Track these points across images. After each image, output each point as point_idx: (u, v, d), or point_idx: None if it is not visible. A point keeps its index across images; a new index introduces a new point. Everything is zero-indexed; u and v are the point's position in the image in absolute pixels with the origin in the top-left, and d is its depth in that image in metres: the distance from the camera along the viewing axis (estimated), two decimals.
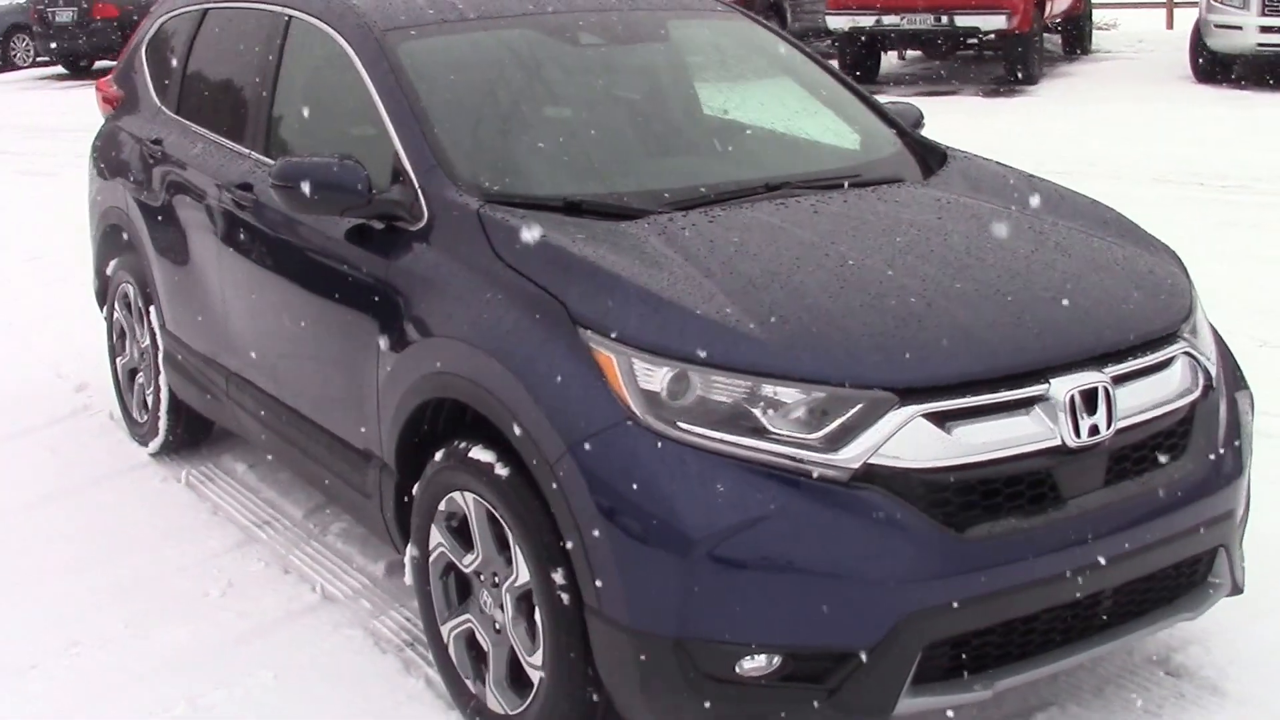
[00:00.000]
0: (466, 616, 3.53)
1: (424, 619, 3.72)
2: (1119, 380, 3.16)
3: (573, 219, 3.50)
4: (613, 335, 3.05)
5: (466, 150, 3.82)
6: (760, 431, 2.94)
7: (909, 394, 2.94)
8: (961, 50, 17.55)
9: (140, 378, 5.56)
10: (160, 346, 5.25)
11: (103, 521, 4.91)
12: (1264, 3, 15.38)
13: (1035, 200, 3.89)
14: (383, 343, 3.65)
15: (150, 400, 5.43)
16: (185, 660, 3.95)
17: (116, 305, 5.66)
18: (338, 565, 4.52)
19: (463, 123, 3.91)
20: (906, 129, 4.40)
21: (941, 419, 2.96)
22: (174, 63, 5.32)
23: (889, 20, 16.14)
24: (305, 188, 3.72)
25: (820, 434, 2.93)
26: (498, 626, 3.43)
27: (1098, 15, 21.38)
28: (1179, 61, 17.24)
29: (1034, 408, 3.05)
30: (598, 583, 3.00)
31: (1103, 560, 3.07)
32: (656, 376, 2.99)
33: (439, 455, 3.49)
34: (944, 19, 15.92)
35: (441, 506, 3.52)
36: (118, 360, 5.75)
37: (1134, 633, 3.26)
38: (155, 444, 5.47)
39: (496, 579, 3.41)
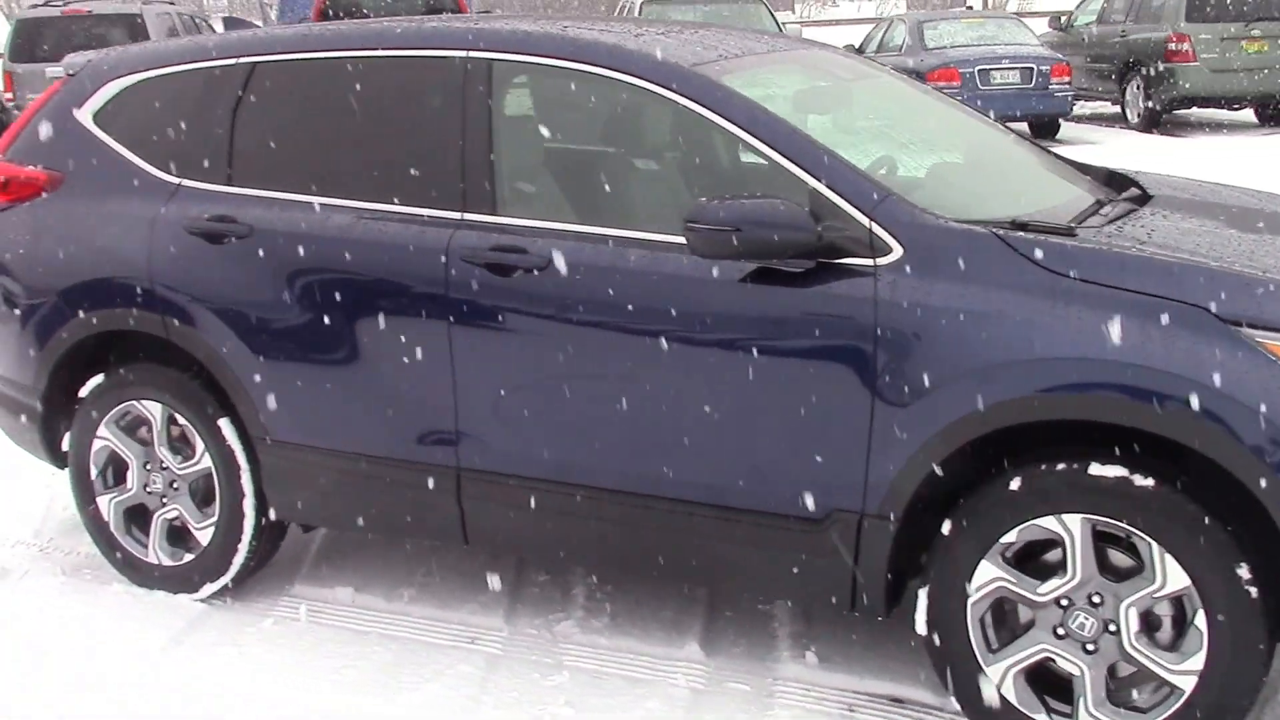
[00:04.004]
0: (1038, 647, 3.24)
1: (950, 667, 3.34)
2: None
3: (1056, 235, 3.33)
4: None
5: (891, 178, 3.48)
6: None
7: None
8: None
9: (168, 512, 4.32)
10: (248, 465, 4.13)
11: (274, 678, 3.81)
12: None
13: (1250, 197, 4.24)
14: (886, 388, 3.24)
15: (212, 535, 4.24)
16: None
17: (107, 433, 4.34)
18: (632, 656, 3.89)
19: (850, 151, 3.54)
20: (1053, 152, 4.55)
21: None
22: (200, 129, 4.20)
23: None
24: (754, 230, 3.25)
25: None
26: (1090, 647, 3.18)
27: None
28: None
29: None
30: None
31: None
32: None
33: (1015, 483, 3.16)
34: None
35: (1010, 538, 3.20)
36: (103, 499, 4.41)
37: None
38: (215, 585, 4.30)
39: (1095, 599, 3.16)
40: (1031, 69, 16.02)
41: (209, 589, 4.29)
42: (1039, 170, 4.12)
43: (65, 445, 4.47)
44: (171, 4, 17.03)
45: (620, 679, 3.73)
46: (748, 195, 3.31)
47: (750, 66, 3.81)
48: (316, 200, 3.96)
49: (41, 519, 5.11)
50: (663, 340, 3.48)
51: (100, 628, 4.14)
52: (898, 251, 3.29)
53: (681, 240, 3.47)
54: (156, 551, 4.36)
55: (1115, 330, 3.05)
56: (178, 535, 4.37)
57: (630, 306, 3.51)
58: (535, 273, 3.61)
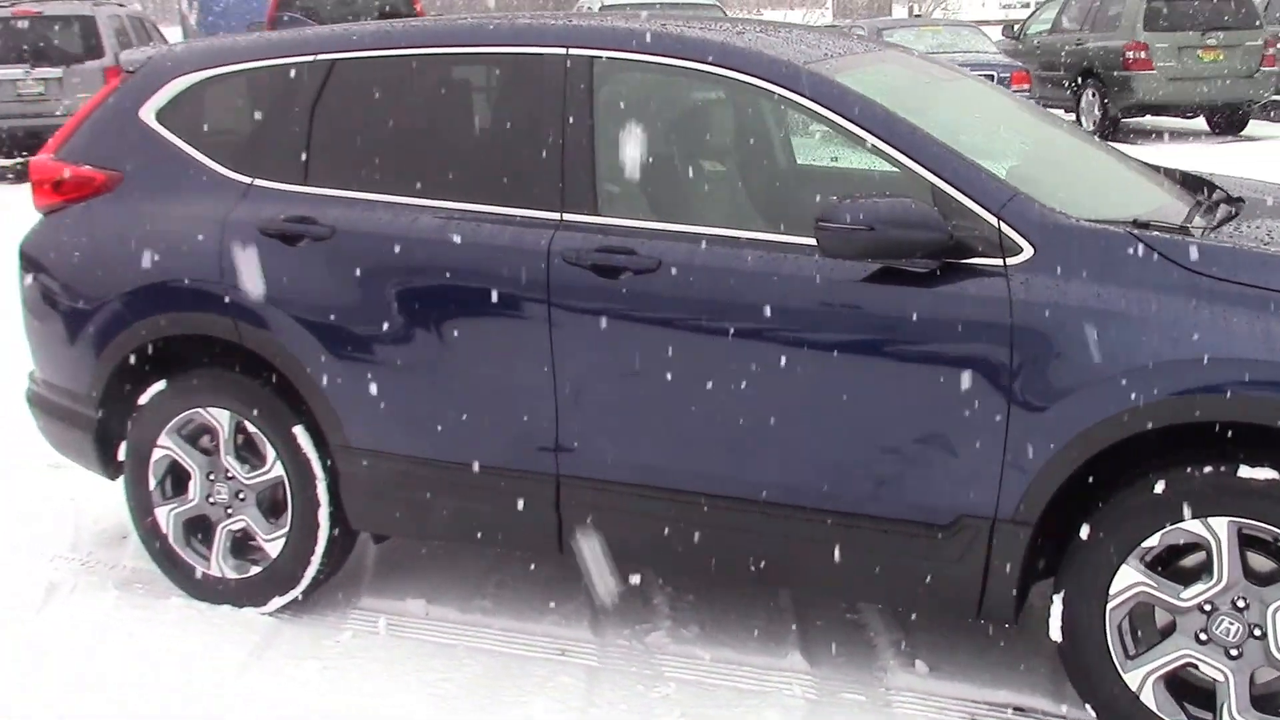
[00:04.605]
0: (1180, 653, 3.20)
1: (1086, 674, 3.28)
2: None
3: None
4: None
5: (1014, 176, 3.42)
6: None
7: None
8: None
9: (233, 524, 4.15)
10: (324, 474, 3.99)
11: (365, 694, 3.67)
12: None
13: None
14: (1022, 391, 3.19)
15: (283, 546, 4.08)
16: None
17: (168, 442, 4.17)
18: (733, 667, 3.80)
19: (968, 148, 3.47)
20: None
21: None
22: (274, 127, 4.05)
23: None
24: (888, 230, 3.19)
25: None
26: (1234, 652, 3.14)
27: None
28: None
29: None
30: None
31: None
32: None
33: (1159, 487, 3.12)
34: None
35: (1151, 542, 3.15)
36: (162, 511, 4.23)
37: None
38: (285, 598, 4.15)
39: (1240, 603, 3.13)
40: (991, 76, 16.08)
41: (278, 602, 4.14)
42: (1127, 173, 4.09)
43: (121, 455, 4.28)
44: (122, 6, 16.65)
45: (728, 690, 3.64)
46: (878, 195, 3.24)
47: (856, 65, 3.74)
48: (403, 201, 3.83)
49: (74, 531, 4.91)
50: (782, 343, 3.41)
51: (170, 644, 3.97)
52: (1028, 251, 3.24)
53: (798, 240, 3.42)
54: (220, 564, 4.19)
55: (1266, 329, 3.02)
56: (241, 547, 4.20)
57: (747, 308, 3.43)
58: (645, 274, 3.51)
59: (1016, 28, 19.75)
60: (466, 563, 4.47)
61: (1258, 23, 16.26)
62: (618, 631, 4.01)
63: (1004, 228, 3.26)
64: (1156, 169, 4.26)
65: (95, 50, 15.00)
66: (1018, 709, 3.55)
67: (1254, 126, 17.24)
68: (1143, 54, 15.83)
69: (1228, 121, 16.73)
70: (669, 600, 4.17)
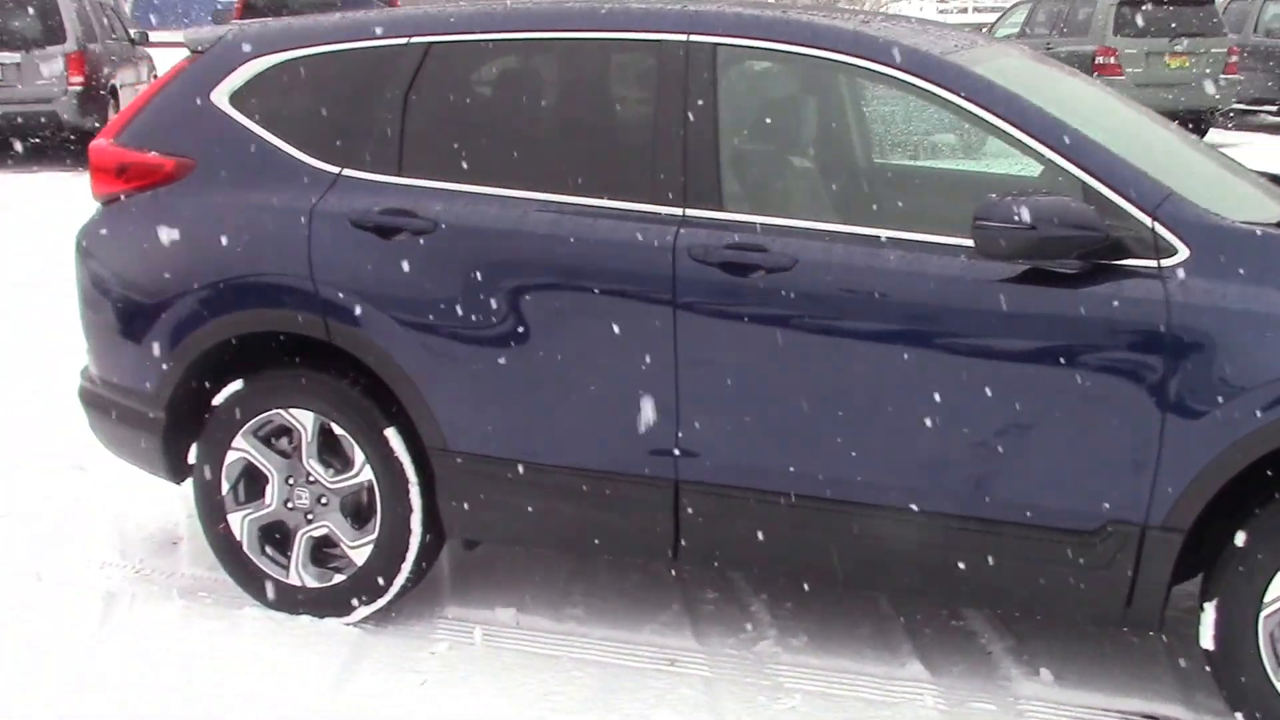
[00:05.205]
0: None
1: (1237, 683, 3.26)
2: None
3: None
4: None
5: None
6: None
7: None
8: None
9: (314, 530, 4.01)
10: (417, 477, 3.85)
11: (476, 707, 3.55)
12: None
13: None
14: (1178, 396, 3.16)
15: (370, 554, 3.95)
16: None
17: (244, 444, 4.02)
18: (852, 676, 3.73)
19: (1109, 144, 3.44)
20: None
21: None
22: (364, 114, 3.92)
23: None
24: (1050, 229, 3.15)
25: None
26: None
27: None
28: None
29: None
30: None
31: None
32: None
33: None
34: None
35: None
36: (235, 516, 4.07)
37: None
38: (372, 608, 4.02)
39: None
40: None
41: (364, 612, 4.00)
42: (1238, 175, 4.08)
43: (191, 458, 4.11)
44: None
45: (855, 701, 3.58)
46: (1035, 192, 3.20)
47: (986, 58, 3.69)
48: (512, 194, 3.72)
49: (119, 538, 4.74)
50: (923, 345, 3.35)
51: (257, 656, 3.82)
52: (1184, 252, 3.21)
53: (942, 240, 3.37)
54: (299, 573, 4.05)
55: None
56: (320, 554, 4.07)
57: (886, 310, 3.37)
58: (779, 273, 3.44)
59: (985, 31, 19.93)
60: (547, 568, 4.37)
61: (1224, 31, 16.53)
62: (723, 641, 3.93)
63: (1158, 228, 3.23)
64: (1253, 171, 4.27)
65: (57, 35, 14.60)
66: (1150, 717, 3.52)
67: (1213, 135, 17.51)
68: (1112, 59, 16.03)
69: (1190, 129, 16.98)
70: (767, 607, 4.10)
